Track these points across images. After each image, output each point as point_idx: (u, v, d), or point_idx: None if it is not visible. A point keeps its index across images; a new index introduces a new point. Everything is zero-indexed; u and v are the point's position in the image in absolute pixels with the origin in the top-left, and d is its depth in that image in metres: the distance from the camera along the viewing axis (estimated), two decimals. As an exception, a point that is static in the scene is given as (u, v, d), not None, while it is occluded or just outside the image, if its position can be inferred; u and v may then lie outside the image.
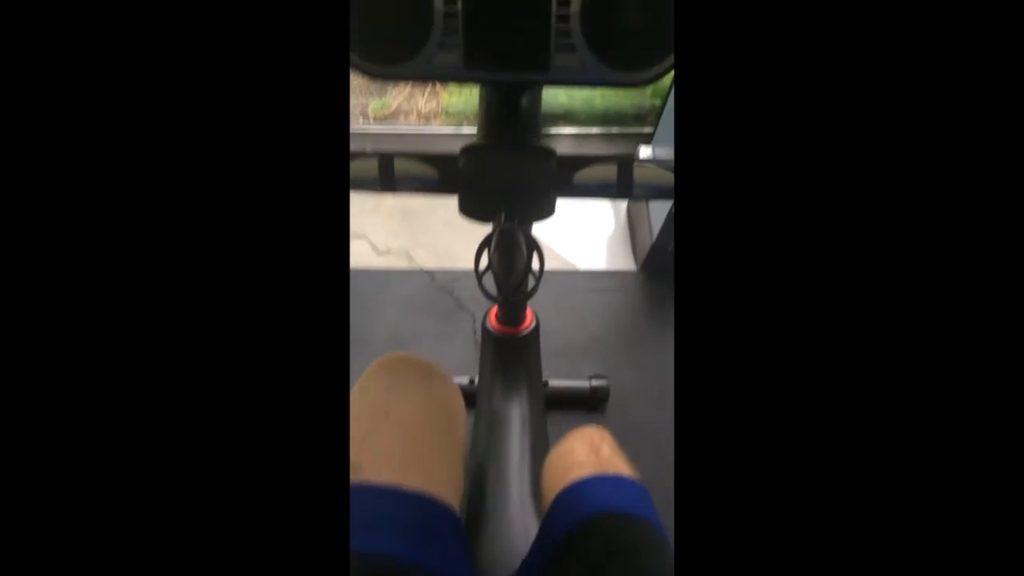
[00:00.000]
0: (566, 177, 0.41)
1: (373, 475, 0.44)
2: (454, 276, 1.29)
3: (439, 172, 0.41)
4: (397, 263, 1.36)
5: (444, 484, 0.47)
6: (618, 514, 0.46)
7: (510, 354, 0.92)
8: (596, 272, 1.31)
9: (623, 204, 1.40)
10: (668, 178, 0.42)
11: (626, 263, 1.32)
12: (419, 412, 0.50)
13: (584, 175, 0.41)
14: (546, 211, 0.42)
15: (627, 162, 0.41)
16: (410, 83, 1.54)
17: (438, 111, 1.49)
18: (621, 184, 0.41)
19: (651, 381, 1.17)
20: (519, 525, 0.77)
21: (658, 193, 0.42)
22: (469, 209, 0.43)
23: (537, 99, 0.44)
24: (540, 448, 0.89)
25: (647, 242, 1.24)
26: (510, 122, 0.42)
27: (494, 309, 0.92)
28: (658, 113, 1.24)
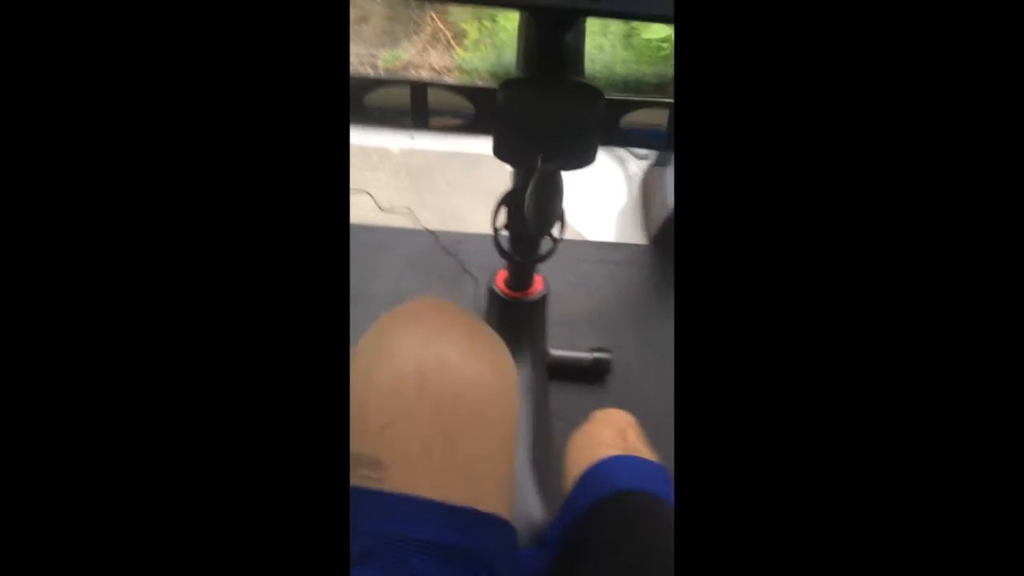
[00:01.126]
0: (613, 120, 0.38)
1: (401, 481, 0.30)
2: (459, 238, 1.25)
3: (476, 106, 0.37)
4: (400, 222, 1.32)
5: (496, 491, 0.33)
6: (640, 493, 0.46)
7: (517, 320, 0.90)
8: (605, 244, 1.28)
9: (637, 176, 1.36)
10: None
11: (637, 236, 1.29)
12: (465, 387, 0.33)
13: (632, 119, 0.38)
14: (588, 157, 0.39)
15: None
16: (426, 34, 1.49)
17: (452, 67, 1.44)
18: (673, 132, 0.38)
19: (654, 358, 1.15)
20: (519, 497, 0.76)
21: None
22: (506, 149, 0.39)
23: (581, 35, 0.40)
24: (542, 417, 0.87)
25: (661, 216, 1.20)
26: (554, 58, 0.38)
27: (502, 273, 0.89)
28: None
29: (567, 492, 0.51)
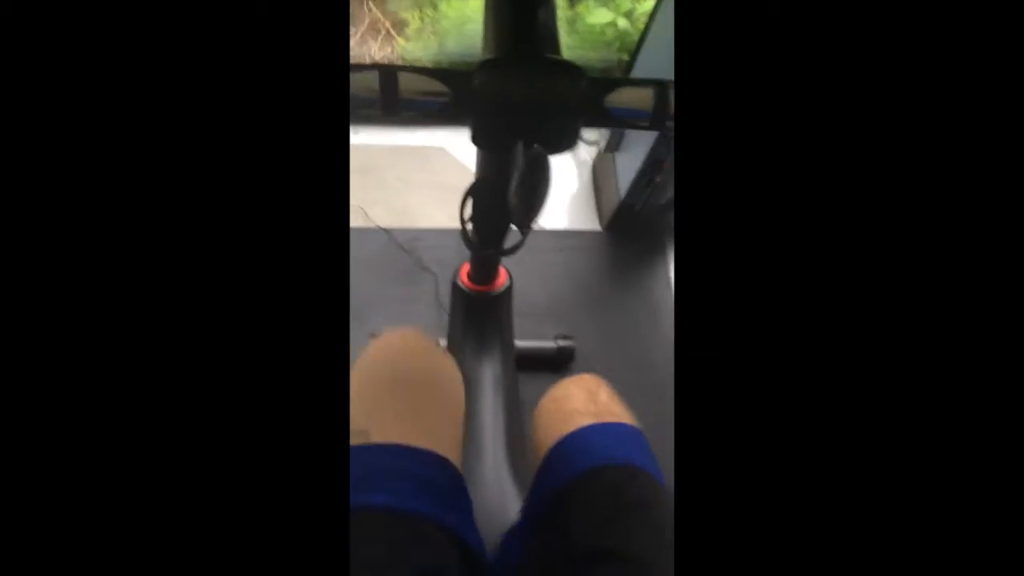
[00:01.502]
0: (596, 100, 0.37)
1: (379, 438, 0.42)
2: (414, 235, 1.22)
3: (452, 89, 0.35)
4: (351, 221, 1.27)
5: (449, 444, 0.46)
6: (623, 466, 0.44)
7: (483, 313, 0.88)
8: (560, 232, 1.28)
9: (587, 162, 1.37)
10: None
11: (590, 223, 1.30)
12: (423, 381, 0.49)
13: (615, 99, 0.37)
14: (571, 140, 0.38)
15: (664, 87, 0.37)
16: (364, 25, 1.43)
17: (394, 58, 1.39)
18: (657, 112, 0.37)
19: (616, 342, 1.16)
20: (494, 487, 0.75)
21: None
22: (486, 134, 0.38)
23: (553, 11, 0.39)
24: (513, 409, 0.86)
25: (614, 201, 1.21)
26: (529, 37, 0.37)
27: (465, 267, 0.87)
28: (627, 67, 1.21)
29: (537, 463, 0.49)
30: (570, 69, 0.36)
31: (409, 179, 1.32)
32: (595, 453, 0.45)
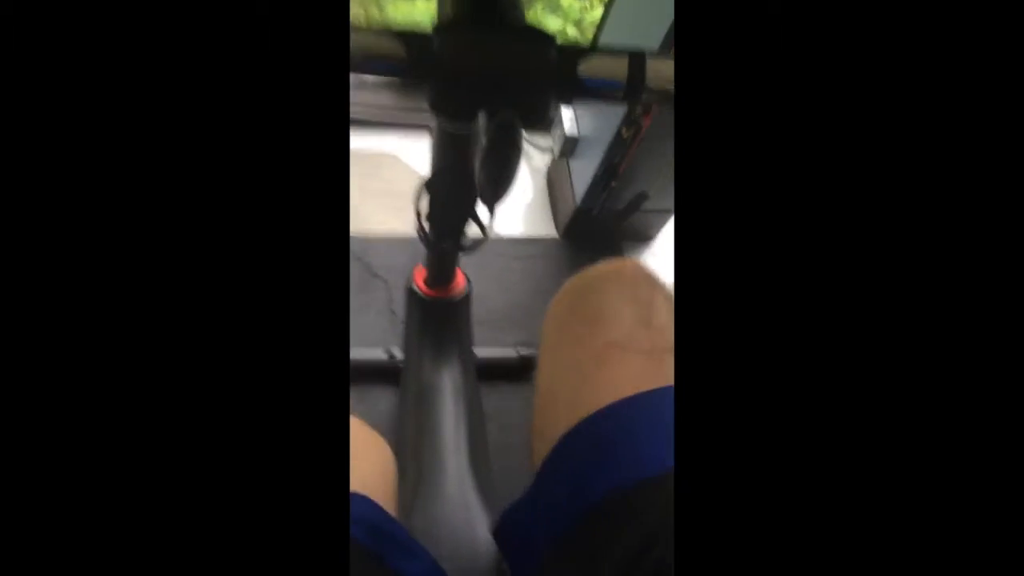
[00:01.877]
0: (567, 69, 0.34)
1: None
2: (364, 243, 1.17)
3: (409, 51, 0.32)
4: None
5: (380, 489, 0.42)
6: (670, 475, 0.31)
7: (440, 320, 0.84)
8: (517, 239, 1.25)
9: (542, 169, 1.35)
10: None
11: (547, 230, 1.28)
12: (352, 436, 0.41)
13: (588, 68, 0.34)
14: (540, 111, 0.35)
15: (639, 57, 0.35)
16: None
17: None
18: (632, 83, 0.35)
19: (577, 349, 1.14)
20: (457, 501, 0.71)
21: (671, 97, 0.36)
22: (447, 101, 0.34)
23: None
24: (475, 420, 0.82)
25: (570, 208, 1.20)
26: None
27: (420, 272, 0.83)
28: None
29: (548, 448, 0.35)
30: (538, 34, 0.33)
31: (360, 186, 1.27)
32: (654, 453, 0.32)
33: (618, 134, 0.99)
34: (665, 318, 0.36)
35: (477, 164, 0.34)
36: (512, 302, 1.16)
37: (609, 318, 0.37)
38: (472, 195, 0.56)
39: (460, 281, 0.83)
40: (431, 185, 0.56)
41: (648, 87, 0.35)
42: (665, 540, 0.29)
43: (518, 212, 1.31)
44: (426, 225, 0.60)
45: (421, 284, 0.82)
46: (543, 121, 0.34)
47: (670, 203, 1.19)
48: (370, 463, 0.44)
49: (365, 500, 0.37)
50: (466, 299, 0.84)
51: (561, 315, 0.41)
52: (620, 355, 0.34)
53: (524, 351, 1.06)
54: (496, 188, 0.35)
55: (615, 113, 0.98)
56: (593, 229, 1.22)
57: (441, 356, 0.81)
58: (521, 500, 0.41)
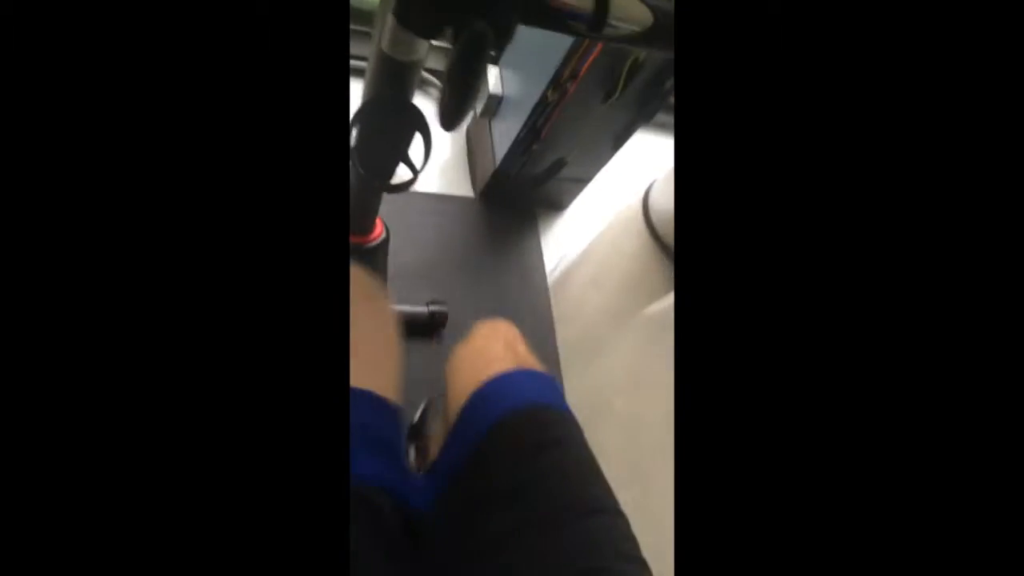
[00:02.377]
0: None
1: None
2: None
3: None
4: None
5: (386, 381, 0.45)
6: (546, 406, 0.44)
7: (356, 266, 0.81)
8: (433, 195, 1.23)
9: (461, 128, 1.33)
10: (648, 20, 0.37)
11: (463, 189, 1.27)
12: (355, 312, 0.45)
13: (555, -2, 0.34)
14: (507, 29, 0.34)
15: None
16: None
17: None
18: (597, 15, 0.35)
19: (487, 310, 1.15)
20: None
21: (634, 39, 0.37)
22: (414, 14, 0.33)
23: None
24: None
25: (489, 169, 1.19)
26: None
27: None
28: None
29: (456, 408, 0.48)
30: None
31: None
32: (519, 395, 0.45)
33: (543, 96, 1.00)
34: (523, 350, 0.53)
35: (443, 83, 0.33)
36: (424, 259, 1.15)
37: (490, 347, 0.52)
38: (408, 129, 0.54)
39: (379, 228, 0.80)
40: (365, 116, 0.53)
41: (611, 23, 0.35)
42: (528, 462, 0.39)
43: (435, 169, 1.28)
44: (354, 160, 0.57)
45: (337, 228, 0.78)
46: (507, 40, 0.34)
47: (585, 172, 1.22)
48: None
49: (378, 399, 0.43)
50: (383, 246, 0.82)
51: (462, 351, 0.54)
52: (499, 363, 0.48)
53: (435, 308, 1.05)
54: (459, 107, 0.34)
55: (541, 75, 0.98)
56: (510, 192, 1.22)
57: None
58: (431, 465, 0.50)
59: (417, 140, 0.56)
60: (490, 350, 0.52)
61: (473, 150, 1.30)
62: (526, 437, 0.41)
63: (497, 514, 0.38)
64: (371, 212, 0.76)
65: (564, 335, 1.18)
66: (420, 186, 1.23)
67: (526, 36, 1.21)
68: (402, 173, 0.62)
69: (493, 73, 1.15)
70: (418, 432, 0.93)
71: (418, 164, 0.59)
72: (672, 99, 1.08)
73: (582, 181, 1.26)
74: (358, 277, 0.53)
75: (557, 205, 1.33)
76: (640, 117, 1.07)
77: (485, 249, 1.22)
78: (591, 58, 0.91)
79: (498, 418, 0.43)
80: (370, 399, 0.42)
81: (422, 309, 1.05)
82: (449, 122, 0.36)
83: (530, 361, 0.51)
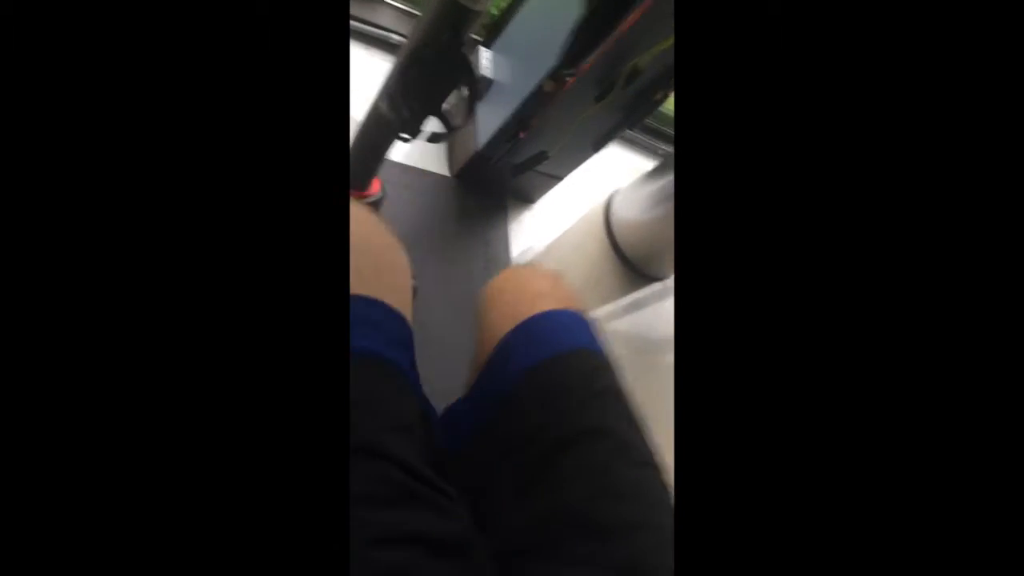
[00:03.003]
0: None
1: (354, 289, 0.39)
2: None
3: None
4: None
5: (403, 306, 0.43)
6: (597, 353, 0.44)
7: (346, 222, 0.79)
8: (408, 167, 1.21)
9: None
10: None
11: (438, 167, 1.26)
12: (373, 243, 0.44)
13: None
14: None
15: None
16: None
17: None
18: None
19: (453, 290, 1.14)
20: None
21: None
22: None
23: None
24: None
25: (469, 150, 1.19)
26: None
27: None
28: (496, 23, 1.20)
29: (492, 340, 0.45)
30: None
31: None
32: (570, 338, 0.43)
33: (539, 88, 1.01)
34: (569, 289, 0.50)
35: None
36: (393, 229, 1.13)
37: (534, 281, 0.50)
38: (455, 79, 0.54)
39: (376, 186, 0.79)
40: (415, 59, 0.52)
41: None
42: (557, 420, 0.38)
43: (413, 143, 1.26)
44: (389, 103, 0.56)
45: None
46: None
47: (561, 169, 1.25)
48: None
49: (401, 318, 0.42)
50: (377, 204, 0.80)
51: (502, 282, 0.51)
52: (543, 299, 0.46)
53: (405, 280, 1.03)
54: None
55: (539, 64, 1.00)
56: (486, 177, 1.23)
57: None
58: (457, 401, 0.48)
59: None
60: (533, 284, 0.49)
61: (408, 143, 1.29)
62: (576, 382, 0.40)
63: (541, 457, 0.38)
64: (375, 167, 0.74)
65: (523, 324, 1.19)
66: (394, 155, 1.21)
67: (524, 23, 1.22)
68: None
69: (485, 55, 1.15)
70: None
71: (455, 119, 0.58)
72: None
73: (555, 178, 1.28)
74: (364, 213, 0.50)
75: (527, 198, 1.35)
76: (625, 123, 1.11)
77: (455, 230, 1.22)
78: (595, 54, 0.94)
79: (541, 360, 0.42)
80: (393, 312, 0.41)
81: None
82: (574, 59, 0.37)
83: (577, 303, 0.49)
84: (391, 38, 1.29)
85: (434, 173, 1.24)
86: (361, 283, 0.39)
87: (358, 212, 0.46)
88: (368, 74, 1.23)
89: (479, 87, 0.54)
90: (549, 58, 0.97)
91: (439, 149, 1.29)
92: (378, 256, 0.43)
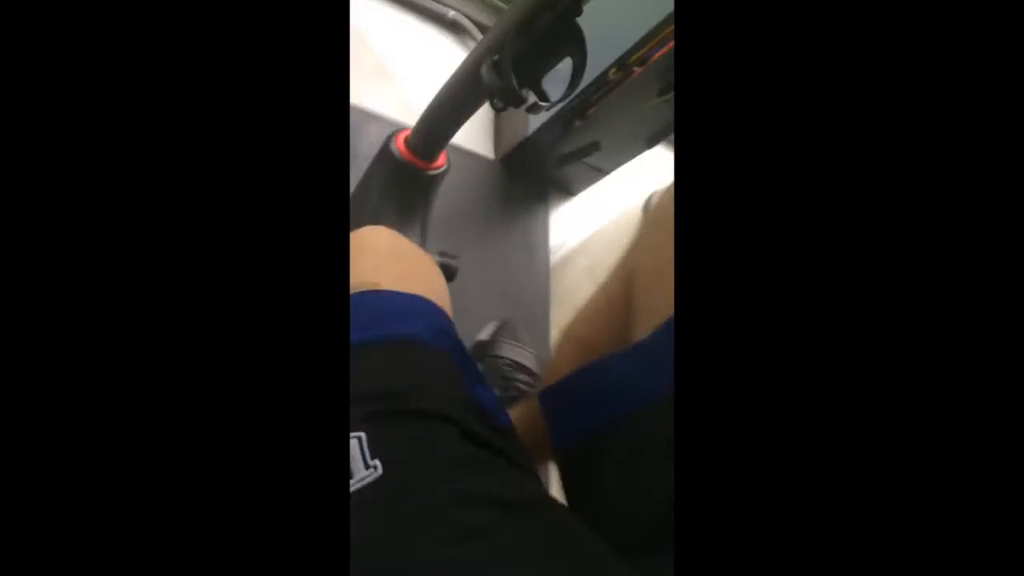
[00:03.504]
0: None
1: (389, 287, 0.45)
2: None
3: None
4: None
5: (443, 302, 0.49)
6: None
7: (410, 192, 0.76)
8: (455, 147, 1.18)
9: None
10: None
11: (486, 150, 1.23)
12: (418, 255, 0.54)
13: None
14: None
15: None
16: None
17: None
18: None
19: (491, 274, 1.12)
20: None
21: None
22: None
23: None
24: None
25: (518, 135, 1.16)
26: None
27: (404, 132, 0.74)
28: None
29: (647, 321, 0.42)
30: None
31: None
32: None
33: (604, 74, 0.99)
34: None
35: None
36: (437, 210, 1.10)
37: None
38: (566, 49, 0.52)
39: (442, 159, 0.76)
40: (532, 24, 0.50)
41: None
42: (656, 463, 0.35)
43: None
44: (494, 69, 0.54)
45: (402, 146, 0.73)
46: None
47: (609, 163, 1.23)
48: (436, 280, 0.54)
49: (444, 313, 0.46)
50: (440, 178, 0.77)
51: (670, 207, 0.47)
52: None
53: (447, 260, 1.01)
54: None
55: (605, 52, 0.98)
56: (532, 164, 1.20)
57: (405, 224, 0.74)
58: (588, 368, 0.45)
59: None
60: None
61: (502, 116, 1.26)
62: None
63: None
64: (449, 137, 0.71)
65: (557, 316, 1.17)
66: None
67: (593, 10, 1.19)
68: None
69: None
70: (483, 352, 0.92)
71: (558, 91, 0.56)
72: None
73: (600, 171, 1.26)
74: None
75: (568, 189, 1.32)
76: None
77: (495, 215, 1.19)
78: (666, 47, 0.92)
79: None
80: (441, 310, 0.45)
81: (436, 258, 1.00)
82: None
83: None
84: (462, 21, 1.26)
85: (478, 155, 1.21)
86: (404, 283, 0.45)
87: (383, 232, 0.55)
88: (435, 52, 1.21)
89: (585, 60, 0.51)
90: (619, 45, 0.94)
91: (483, 130, 1.26)
92: (417, 261, 0.50)
